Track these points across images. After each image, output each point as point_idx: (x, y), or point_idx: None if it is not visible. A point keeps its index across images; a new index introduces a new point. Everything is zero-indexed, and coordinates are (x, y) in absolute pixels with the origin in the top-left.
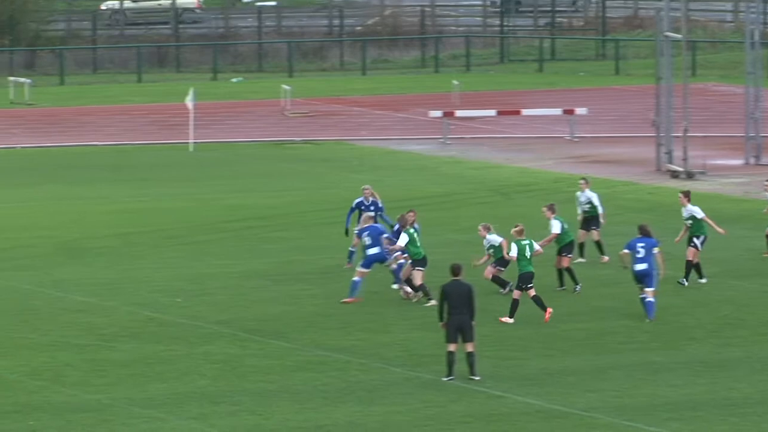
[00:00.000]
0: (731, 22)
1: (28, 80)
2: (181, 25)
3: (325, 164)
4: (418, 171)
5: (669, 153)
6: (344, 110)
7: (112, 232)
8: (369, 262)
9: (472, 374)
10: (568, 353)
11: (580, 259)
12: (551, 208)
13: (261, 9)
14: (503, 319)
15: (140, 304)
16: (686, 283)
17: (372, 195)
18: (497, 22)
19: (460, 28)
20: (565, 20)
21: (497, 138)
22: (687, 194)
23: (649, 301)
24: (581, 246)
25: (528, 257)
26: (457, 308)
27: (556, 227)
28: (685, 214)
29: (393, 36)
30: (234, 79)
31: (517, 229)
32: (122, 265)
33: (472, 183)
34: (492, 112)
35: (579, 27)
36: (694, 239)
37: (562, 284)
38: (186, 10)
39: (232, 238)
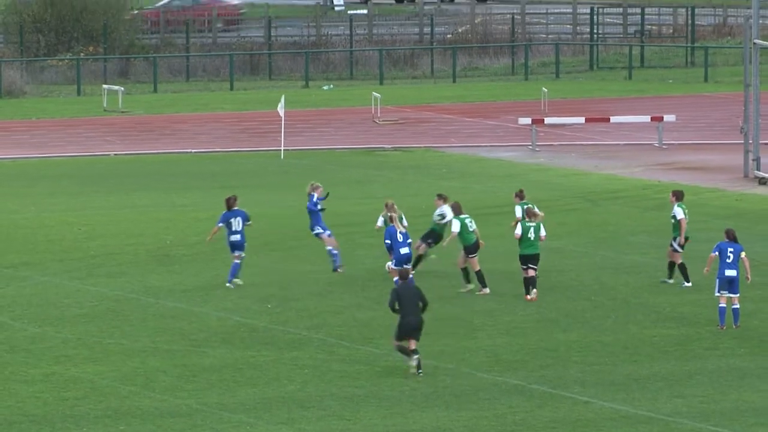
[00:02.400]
0: None
1: (122, 88)
2: (273, 33)
3: (415, 171)
4: (507, 178)
5: (757, 160)
6: (434, 118)
7: (203, 238)
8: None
9: (419, 368)
10: (655, 359)
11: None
12: (520, 194)
13: (352, 17)
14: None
15: (230, 309)
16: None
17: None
18: (587, 29)
19: (550, 36)
20: (654, 28)
21: (585, 145)
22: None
23: (735, 308)
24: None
25: (531, 239)
26: (408, 309)
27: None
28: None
29: (483, 44)
30: (325, 87)
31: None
32: (213, 272)
33: (560, 190)
34: (580, 120)
35: (668, 35)
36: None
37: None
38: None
39: (322, 244)
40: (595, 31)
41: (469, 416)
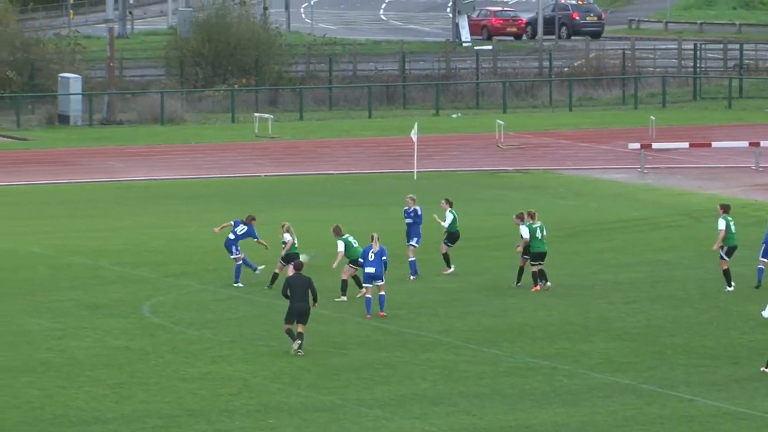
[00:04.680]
0: None
1: (271, 116)
2: (407, 66)
3: (535, 191)
4: (617, 197)
5: None
6: (552, 143)
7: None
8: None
9: (299, 349)
10: (753, 361)
11: None
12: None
13: (479, 53)
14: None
15: (365, 315)
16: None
17: (413, 203)
18: (690, 63)
19: (657, 69)
20: (752, 62)
21: (689, 168)
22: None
23: None
24: None
25: (539, 238)
26: (298, 297)
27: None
28: None
29: (597, 76)
30: (453, 115)
31: (529, 213)
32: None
33: (667, 208)
34: (685, 145)
35: (765, 68)
36: None
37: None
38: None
39: (452, 257)
40: (698, 65)
41: (585, 412)
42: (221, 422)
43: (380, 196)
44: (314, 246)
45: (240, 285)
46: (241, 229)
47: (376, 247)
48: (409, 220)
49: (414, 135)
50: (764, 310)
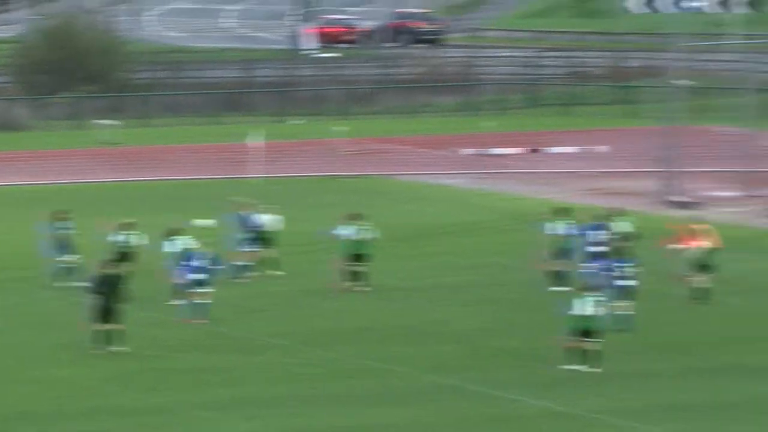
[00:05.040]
0: (732, 70)
1: (117, 122)
2: (251, 74)
3: (374, 196)
4: (454, 202)
5: (671, 185)
6: (392, 149)
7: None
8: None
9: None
10: (578, 362)
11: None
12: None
13: (321, 60)
14: None
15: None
16: None
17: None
18: (529, 71)
19: (496, 77)
20: (588, 69)
21: (524, 173)
22: None
23: None
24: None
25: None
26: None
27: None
28: None
29: (437, 83)
30: (296, 122)
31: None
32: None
33: (502, 213)
34: (519, 150)
35: (599, 75)
36: None
37: None
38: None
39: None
40: (536, 72)
41: (414, 413)
42: (54, 424)
43: (221, 202)
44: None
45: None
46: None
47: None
48: (247, 227)
49: (255, 141)
50: (573, 308)
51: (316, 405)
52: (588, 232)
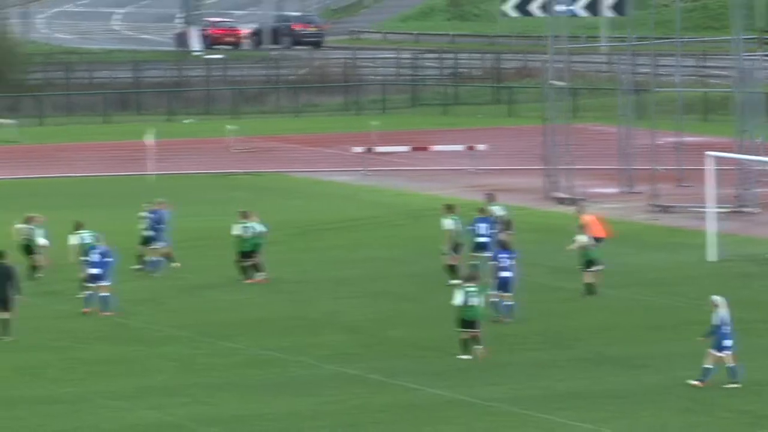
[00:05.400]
0: (606, 72)
1: (14, 121)
2: (140, 74)
3: (265, 192)
4: (343, 198)
5: (555, 182)
6: (280, 147)
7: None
8: None
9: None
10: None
11: None
12: None
13: (209, 61)
14: None
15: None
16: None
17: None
18: (409, 72)
19: (378, 77)
20: (466, 70)
21: (410, 170)
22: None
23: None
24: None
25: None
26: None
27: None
28: None
29: (321, 83)
30: (186, 120)
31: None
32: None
33: (389, 208)
34: (405, 148)
35: (478, 76)
36: None
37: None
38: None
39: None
40: (416, 73)
41: (316, 401)
42: None
43: (116, 198)
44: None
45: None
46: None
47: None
48: (152, 223)
49: (149, 139)
50: (454, 299)
51: (220, 394)
52: (477, 225)
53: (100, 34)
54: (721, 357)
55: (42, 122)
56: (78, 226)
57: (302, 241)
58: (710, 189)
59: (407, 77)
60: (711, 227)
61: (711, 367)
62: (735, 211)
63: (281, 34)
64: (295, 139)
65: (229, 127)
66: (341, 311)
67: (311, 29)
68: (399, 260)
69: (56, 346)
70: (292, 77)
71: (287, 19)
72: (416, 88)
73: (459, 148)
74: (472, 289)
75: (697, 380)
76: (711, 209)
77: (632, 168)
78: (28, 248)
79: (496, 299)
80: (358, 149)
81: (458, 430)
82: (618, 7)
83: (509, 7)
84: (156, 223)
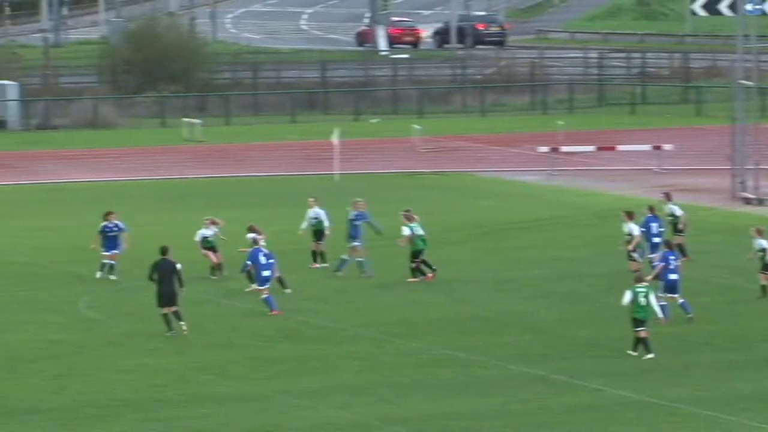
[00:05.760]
0: None
1: (199, 121)
2: (327, 74)
3: (452, 192)
4: (528, 198)
5: (743, 183)
6: (466, 146)
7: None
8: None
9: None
10: (660, 353)
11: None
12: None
13: (396, 61)
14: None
15: (293, 310)
16: None
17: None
18: (596, 71)
19: (564, 77)
20: (654, 70)
21: (596, 170)
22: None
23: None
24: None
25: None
26: (164, 281)
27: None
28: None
29: (507, 83)
30: (372, 120)
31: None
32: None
33: (574, 208)
34: (591, 148)
35: (666, 76)
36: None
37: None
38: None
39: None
40: (602, 72)
41: (499, 402)
42: (154, 412)
43: (302, 198)
44: (242, 244)
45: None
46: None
47: (261, 245)
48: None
49: (335, 139)
50: (623, 299)
51: (405, 393)
52: (649, 224)
53: (288, 33)
54: None
55: (228, 122)
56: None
57: (487, 241)
58: None
59: (594, 77)
60: None
61: None
62: None
63: (465, 33)
64: (481, 138)
65: (415, 126)
66: (526, 311)
67: (494, 29)
68: (585, 260)
69: (243, 344)
70: (479, 77)
71: (470, 18)
72: (603, 88)
73: (646, 147)
74: (642, 289)
75: None
76: None
77: None
78: (212, 248)
79: (664, 302)
80: (544, 149)
81: (642, 431)
82: None
83: (698, 6)
84: (357, 222)
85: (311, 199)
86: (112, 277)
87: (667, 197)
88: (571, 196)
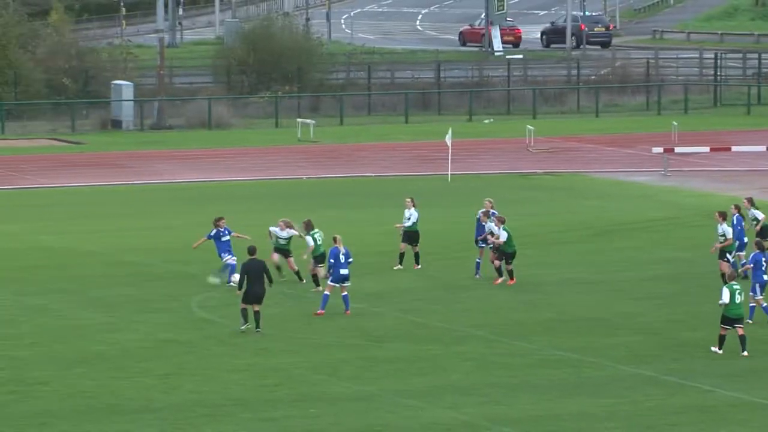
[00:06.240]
0: None
1: (313, 121)
2: (442, 75)
3: (563, 192)
4: (641, 198)
5: None
6: (580, 147)
7: (376, 249)
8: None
9: (258, 327)
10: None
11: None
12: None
13: (510, 61)
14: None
15: (404, 310)
16: None
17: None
18: (711, 72)
19: (679, 77)
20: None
21: (710, 171)
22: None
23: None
24: None
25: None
26: (255, 281)
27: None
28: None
29: (622, 84)
30: (486, 120)
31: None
32: (387, 277)
33: (688, 209)
34: (706, 149)
35: None
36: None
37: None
38: None
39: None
40: (718, 73)
41: (609, 403)
42: (265, 411)
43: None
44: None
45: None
46: (215, 233)
47: (341, 248)
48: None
49: (448, 139)
50: (722, 297)
51: (514, 394)
52: (737, 226)
53: (402, 34)
54: None
55: (342, 122)
56: (309, 226)
57: (600, 242)
58: None
59: (710, 77)
60: None
61: None
62: None
63: (565, 34)
64: (594, 139)
65: (528, 126)
66: (637, 312)
67: (599, 29)
68: (695, 261)
69: (352, 344)
70: (593, 77)
71: (575, 19)
72: (719, 88)
73: (761, 149)
74: (737, 287)
75: None
76: None
77: None
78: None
79: (752, 303)
80: (658, 149)
81: None
82: None
83: None
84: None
85: (408, 199)
86: (216, 280)
87: (750, 202)
88: (684, 197)
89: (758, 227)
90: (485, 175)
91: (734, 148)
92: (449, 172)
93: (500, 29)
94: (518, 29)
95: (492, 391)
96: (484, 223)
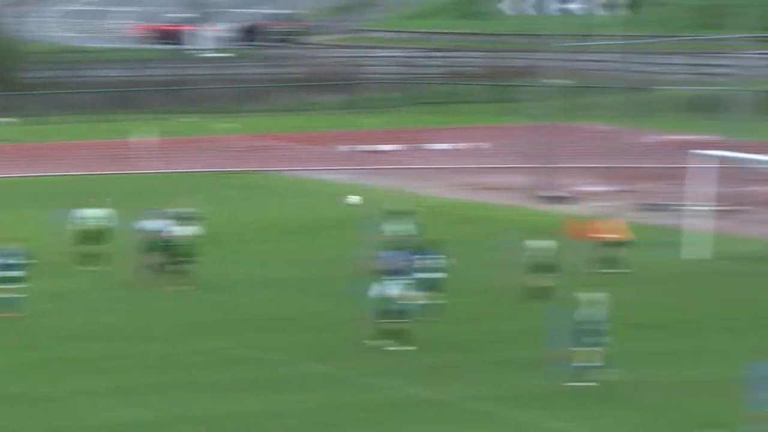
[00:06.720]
0: (603, 70)
1: (13, 119)
2: (141, 73)
3: (260, 191)
4: (334, 197)
5: (547, 181)
6: (278, 145)
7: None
8: None
9: None
10: None
11: None
12: None
13: (212, 59)
14: None
15: (88, 309)
16: None
17: None
18: (412, 70)
19: (379, 75)
20: (467, 69)
21: (402, 168)
22: None
23: None
24: None
25: None
26: None
27: None
28: None
29: (321, 82)
30: (186, 119)
31: None
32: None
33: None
34: (401, 147)
35: (478, 74)
36: None
37: None
38: None
39: None
40: (417, 72)
41: (292, 400)
42: None
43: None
44: None
45: None
46: None
47: None
48: None
49: (142, 138)
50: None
51: (197, 392)
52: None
53: (102, 32)
54: None
55: (45, 121)
56: None
57: (293, 240)
58: (694, 187)
59: (407, 75)
60: (704, 225)
61: None
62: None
63: (253, 32)
64: (294, 137)
65: (230, 125)
66: (327, 309)
67: (292, 27)
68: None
69: (36, 345)
70: (291, 75)
71: (272, 17)
72: (416, 87)
73: (454, 146)
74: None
75: None
76: (706, 208)
77: (623, 166)
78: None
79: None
80: (347, 147)
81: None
82: (633, 5)
83: (506, 4)
84: None
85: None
86: None
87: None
88: (378, 195)
89: None
90: (187, 173)
91: (428, 146)
92: (135, 171)
93: (171, 26)
94: (179, 26)
95: (175, 390)
96: None
